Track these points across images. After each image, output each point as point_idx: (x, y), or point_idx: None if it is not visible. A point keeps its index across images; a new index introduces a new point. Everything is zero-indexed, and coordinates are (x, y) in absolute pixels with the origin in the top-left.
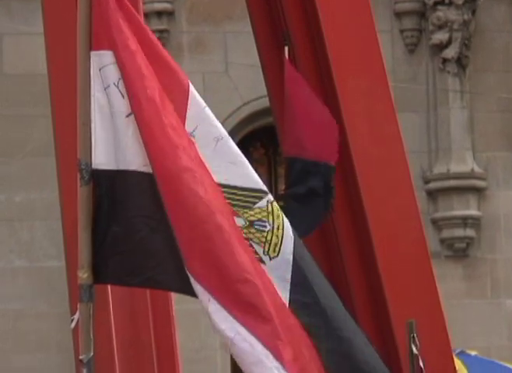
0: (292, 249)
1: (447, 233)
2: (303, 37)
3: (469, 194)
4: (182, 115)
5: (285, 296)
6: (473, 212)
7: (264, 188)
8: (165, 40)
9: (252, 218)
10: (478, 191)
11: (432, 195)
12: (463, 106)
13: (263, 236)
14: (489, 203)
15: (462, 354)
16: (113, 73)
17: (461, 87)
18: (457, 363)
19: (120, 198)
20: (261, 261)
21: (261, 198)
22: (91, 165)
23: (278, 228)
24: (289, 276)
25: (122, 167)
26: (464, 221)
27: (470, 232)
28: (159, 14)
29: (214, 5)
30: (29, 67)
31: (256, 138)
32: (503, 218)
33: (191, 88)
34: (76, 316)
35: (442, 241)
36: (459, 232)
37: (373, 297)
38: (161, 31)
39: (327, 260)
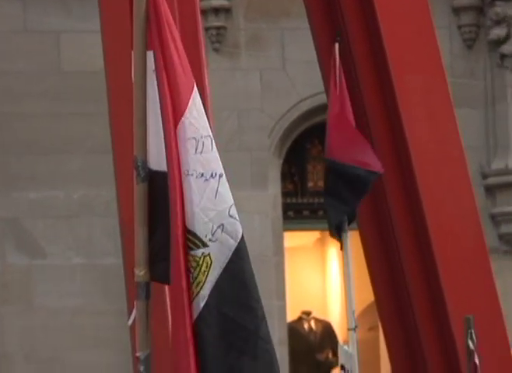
0: (199, 311)
1: (505, 228)
2: (360, 33)
3: None
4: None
5: None
6: None
7: (206, 239)
8: (222, 36)
9: None
10: None
11: (490, 191)
12: None
13: None
14: None
15: None
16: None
17: None
18: None
19: (163, 200)
20: None
21: (198, 247)
22: (147, 162)
23: (197, 285)
24: None
25: (166, 169)
26: None
27: None
28: (217, 11)
29: (271, 2)
30: (86, 65)
31: (313, 135)
32: None
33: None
34: (133, 313)
35: (500, 236)
36: None
37: (431, 292)
38: (218, 28)
39: (385, 258)
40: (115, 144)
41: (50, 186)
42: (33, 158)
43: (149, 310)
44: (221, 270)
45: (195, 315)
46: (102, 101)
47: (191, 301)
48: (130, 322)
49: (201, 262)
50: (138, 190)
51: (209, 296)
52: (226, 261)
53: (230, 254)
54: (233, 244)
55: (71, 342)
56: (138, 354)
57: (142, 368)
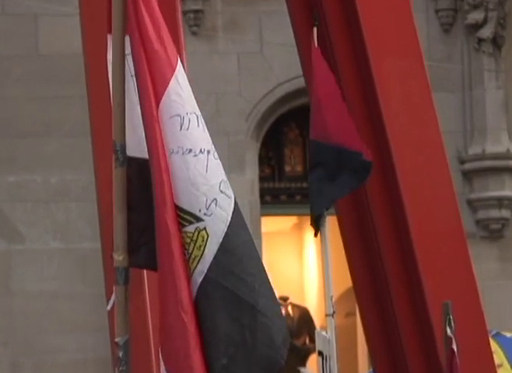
0: (197, 288)
1: (482, 214)
2: (337, 17)
3: (505, 175)
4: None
5: None
6: (508, 193)
7: (200, 213)
8: (200, 20)
9: None
10: None
11: (467, 176)
12: (498, 86)
13: None
14: None
15: (498, 336)
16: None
17: (496, 67)
18: (493, 344)
19: (143, 186)
20: None
21: (190, 223)
22: (125, 146)
23: (193, 261)
24: None
25: (145, 156)
26: (500, 202)
27: (505, 213)
28: None
29: None
30: (64, 48)
31: (291, 119)
32: None
33: (173, 84)
34: (112, 299)
35: (477, 222)
36: (494, 213)
37: (409, 278)
38: (196, 11)
39: (363, 244)
40: (94, 129)
41: (28, 170)
42: (10, 142)
43: (127, 295)
44: (219, 243)
45: (195, 292)
46: (79, 84)
47: (188, 279)
48: (109, 307)
49: (195, 237)
50: (117, 175)
51: (208, 269)
52: (223, 235)
53: (226, 228)
54: (227, 218)
55: (48, 326)
56: (117, 340)
57: (120, 353)
